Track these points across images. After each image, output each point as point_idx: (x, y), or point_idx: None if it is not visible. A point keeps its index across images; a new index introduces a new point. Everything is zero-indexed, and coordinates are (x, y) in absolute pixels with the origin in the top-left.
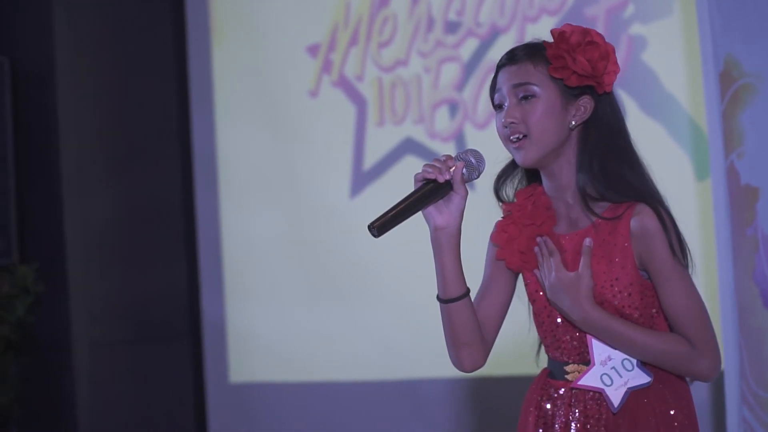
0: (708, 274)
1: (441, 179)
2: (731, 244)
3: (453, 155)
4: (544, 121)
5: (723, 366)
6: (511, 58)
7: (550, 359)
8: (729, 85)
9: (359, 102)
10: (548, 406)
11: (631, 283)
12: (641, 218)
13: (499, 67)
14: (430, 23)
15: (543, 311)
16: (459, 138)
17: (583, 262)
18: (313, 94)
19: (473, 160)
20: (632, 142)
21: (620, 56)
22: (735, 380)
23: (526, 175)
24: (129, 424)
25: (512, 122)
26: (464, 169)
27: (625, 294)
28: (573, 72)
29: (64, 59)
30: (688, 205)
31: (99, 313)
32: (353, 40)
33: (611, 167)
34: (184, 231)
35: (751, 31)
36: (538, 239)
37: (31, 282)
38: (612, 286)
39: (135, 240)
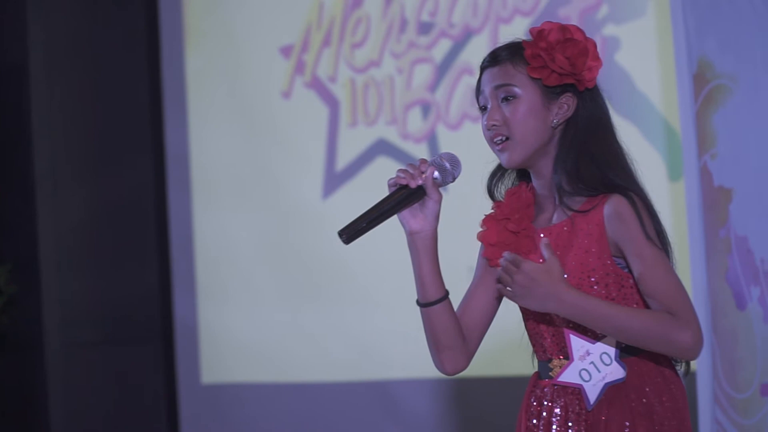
0: (681, 274)
1: (413, 184)
2: (704, 245)
3: (429, 159)
4: (525, 122)
5: (696, 366)
6: (493, 59)
7: (537, 361)
8: (702, 86)
9: (332, 103)
10: (535, 404)
11: (608, 273)
12: (613, 204)
13: (482, 68)
14: (403, 24)
15: (525, 310)
16: (431, 139)
17: (545, 255)
18: (286, 95)
19: (447, 165)
20: (616, 136)
21: None
22: (707, 381)
23: (518, 172)
24: (101, 425)
25: (494, 125)
26: (436, 174)
27: (602, 285)
28: (552, 71)
29: (37, 60)
30: (661, 206)
31: (72, 314)
32: (326, 41)
33: (586, 164)
34: (156, 232)
35: (725, 33)
36: (500, 260)
37: (4, 283)
38: (589, 277)
39: (108, 241)
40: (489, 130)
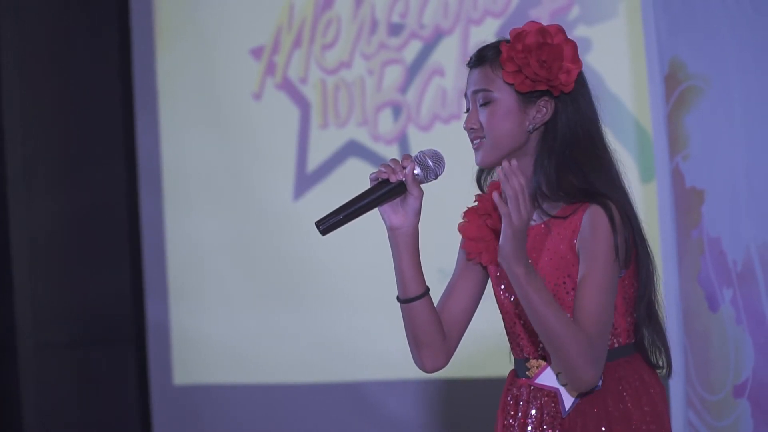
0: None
1: (393, 179)
2: (676, 247)
3: (413, 155)
4: (500, 126)
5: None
6: (476, 60)
7: (514, 360)
8: (674, 87)
9: (303, 104)
10: (511, 402)
11: None
12: (591, 215)
13: (469, 67)
14: (374, 25)
15: (502, 307)
16: (402, 140)
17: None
18: (257, 96)
19: (430, 162)
20: (603, 140)
21: None
22: (680, 383)
23: None
24: (74, 426)
25: (471, 128)
26: (417, 170)
27: None
28: (525, 77)
29: (8, 62)
30: None
31: (44, 316)
32: (297, 43)
33: (566, 172)
34: (128, 233)
35: (697, 33)
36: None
37: None
38: (564, 283)
39: (80, 243)
40: (468, 132)
